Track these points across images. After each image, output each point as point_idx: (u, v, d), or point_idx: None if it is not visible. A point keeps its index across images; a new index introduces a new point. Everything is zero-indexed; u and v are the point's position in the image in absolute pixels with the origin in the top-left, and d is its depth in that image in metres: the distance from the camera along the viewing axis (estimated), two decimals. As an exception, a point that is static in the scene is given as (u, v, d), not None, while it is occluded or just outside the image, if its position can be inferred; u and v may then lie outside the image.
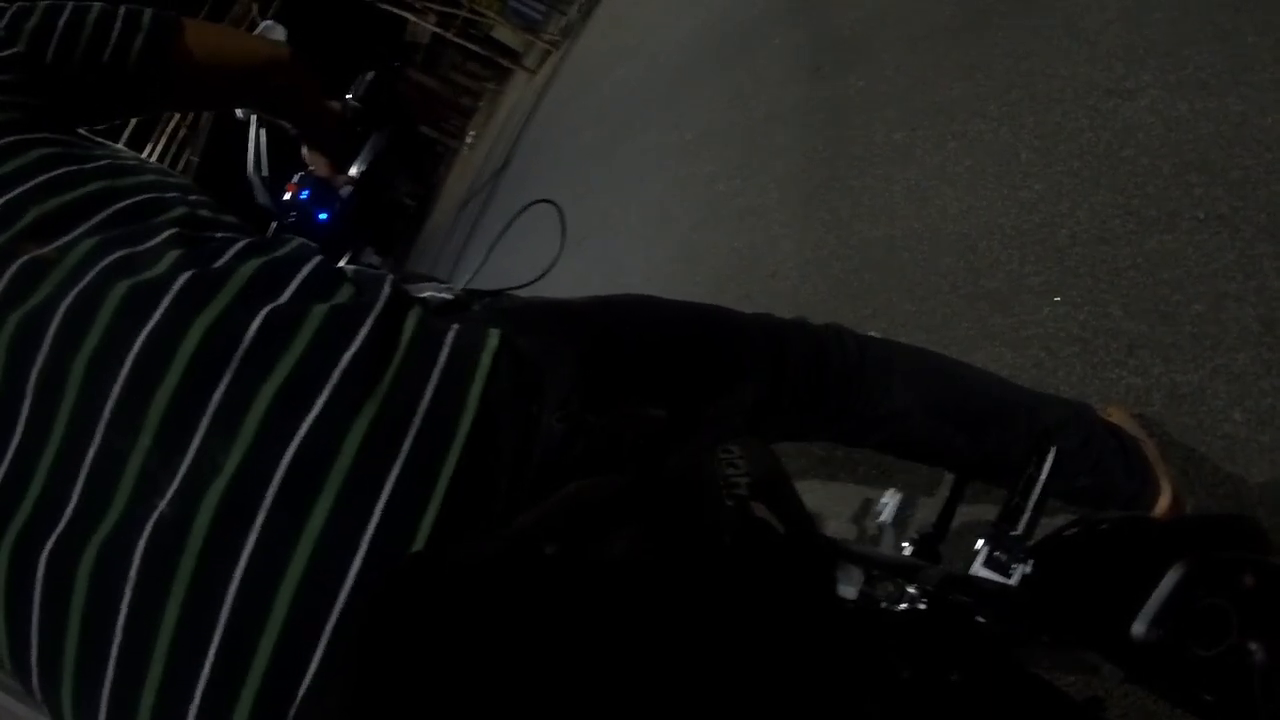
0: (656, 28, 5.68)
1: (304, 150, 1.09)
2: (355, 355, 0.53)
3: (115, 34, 0.72)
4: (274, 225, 1.10)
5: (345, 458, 0.50)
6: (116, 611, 0.47)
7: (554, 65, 8.03)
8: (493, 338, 0.60)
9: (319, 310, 0.55)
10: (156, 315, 0.52)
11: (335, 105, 1.04)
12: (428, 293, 0.80)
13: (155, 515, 0.48)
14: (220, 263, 0.57)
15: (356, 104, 1.07)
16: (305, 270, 0.59)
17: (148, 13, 0.76)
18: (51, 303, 0.52)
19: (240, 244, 0.59)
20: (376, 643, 0.35)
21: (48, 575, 0.48)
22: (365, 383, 0.52)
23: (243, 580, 0.47)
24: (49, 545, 0.48)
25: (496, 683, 0.29)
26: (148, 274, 0.54)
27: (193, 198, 0.65)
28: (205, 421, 0.50)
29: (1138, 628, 0.46)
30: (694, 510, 0.46)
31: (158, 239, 0.57)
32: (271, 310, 0.54)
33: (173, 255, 0.56)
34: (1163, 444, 1.23)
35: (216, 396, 0.50)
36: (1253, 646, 0.44)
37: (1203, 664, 0.45)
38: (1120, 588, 0.48)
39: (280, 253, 0.60)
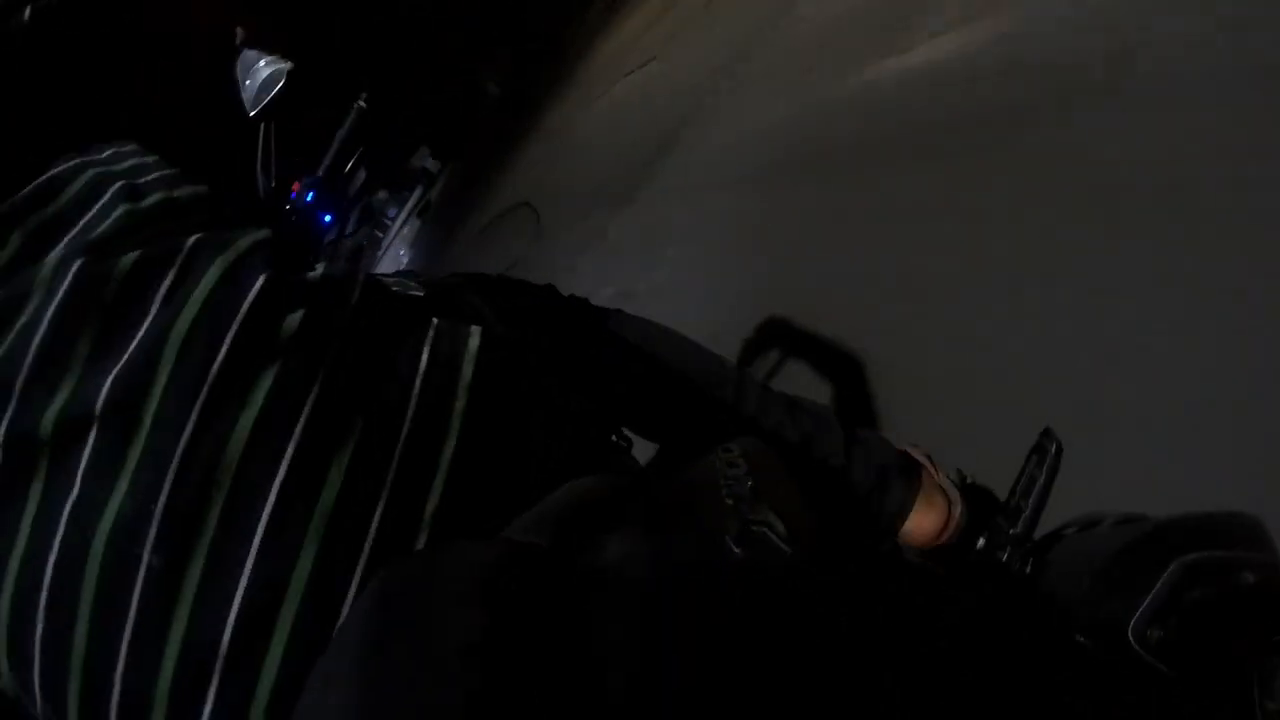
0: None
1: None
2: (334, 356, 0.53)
3: None
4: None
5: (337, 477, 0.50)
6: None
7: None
8: (474, 337, 0.59)
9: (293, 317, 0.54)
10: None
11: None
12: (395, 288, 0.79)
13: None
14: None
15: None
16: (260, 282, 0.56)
17: None
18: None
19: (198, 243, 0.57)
20: (377, 645, 0.35)
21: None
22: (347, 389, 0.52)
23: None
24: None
25: (496, 688, 0.30)
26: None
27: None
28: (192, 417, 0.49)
29: (1137, 626, 0.46)
30: (693, 511, 0.46)
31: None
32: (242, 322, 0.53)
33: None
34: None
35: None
36: (1251, 645, 0.44)
37: (1202, 662, 0.45)
38: (1119, 586, 0.48)
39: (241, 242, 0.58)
